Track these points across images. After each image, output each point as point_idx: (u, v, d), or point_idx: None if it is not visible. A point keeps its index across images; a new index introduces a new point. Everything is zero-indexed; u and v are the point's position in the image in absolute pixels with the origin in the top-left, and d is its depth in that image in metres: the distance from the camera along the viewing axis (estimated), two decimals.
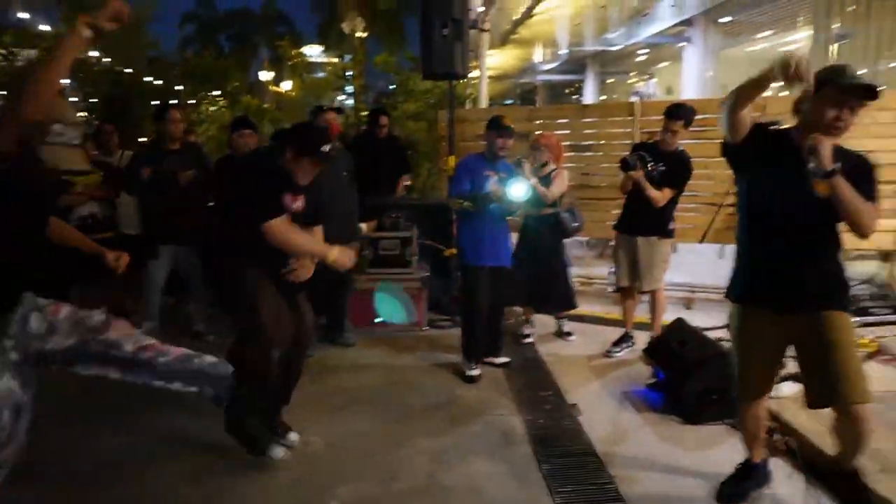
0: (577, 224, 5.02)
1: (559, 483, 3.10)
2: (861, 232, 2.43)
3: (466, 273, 4.44)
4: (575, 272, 6.77)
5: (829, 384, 2.49)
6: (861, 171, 2.51)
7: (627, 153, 4.57)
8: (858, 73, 2.59)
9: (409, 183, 6.96)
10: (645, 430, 3.67)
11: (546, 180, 4.86)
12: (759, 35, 14.58)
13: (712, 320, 5.23)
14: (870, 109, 5.47)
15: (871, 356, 4.24)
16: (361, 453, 3.43)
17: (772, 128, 2.60)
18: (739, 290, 2.76)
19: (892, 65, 9.43)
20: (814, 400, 2.64)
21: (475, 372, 4.42)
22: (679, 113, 4.40)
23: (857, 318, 5.01)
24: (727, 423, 3.64)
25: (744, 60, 14.97)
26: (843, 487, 2.77)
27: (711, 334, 4.58)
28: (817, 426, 3.33)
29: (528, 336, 5.20)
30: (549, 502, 2.96)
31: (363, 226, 5.18)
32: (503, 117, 4.39)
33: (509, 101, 26.01)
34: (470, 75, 7.86)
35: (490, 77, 20.38)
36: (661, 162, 4.40)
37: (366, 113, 8.28)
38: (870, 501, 2.74)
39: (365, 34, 12.58)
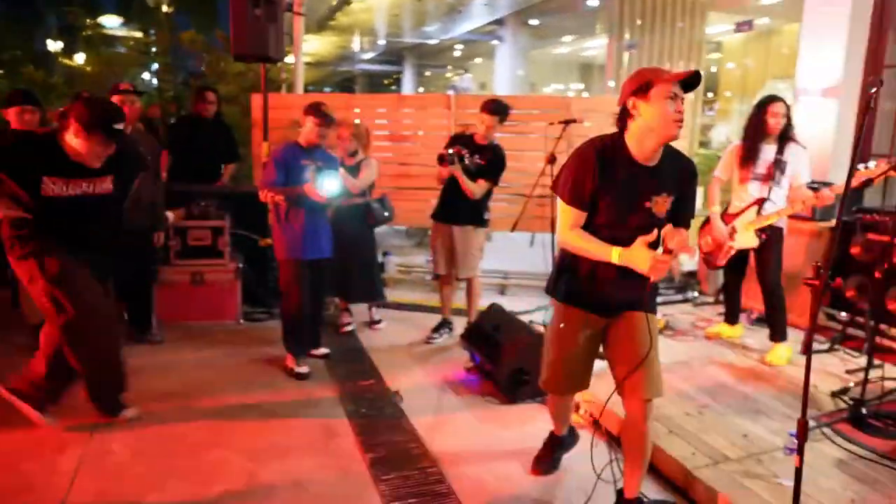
0: (386, 214, 5.03)
1: (383, 471, 3.10)
2: None
3: (285, 267, 4.26)
4: (394, 260, 6.85)
5: (633, 379, 2.61)
6: (689, 173, 2.58)
7: (445, 146, 4.65)
8: None
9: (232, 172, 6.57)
10: (465, 413, 3.79)
11: (354, 169, 4.83)
12: (563, 39, 15.69)
13: (525, 304, 5.55)
14: None
15: (659, 331, 4.72)
16: (172, 458, 3.18)
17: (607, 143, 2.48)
18: (564, 291, 2.71)
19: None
20: (620, 390, 2.75)
21: (304, 369, 4.26)
22: (495, 108, 4.55)
23: None
24: (539, 400, 3.86)
25: (550, 62, 15.98)
26: None
27: (524, 318, 4.86)
28: (614, 396, 3.65)
29: (347, 325, 5.14)
30: (374, 491, 2.95)
31: (170, 214, 4.80)
32: (323, 104, 4.23)
33: (328, 89, 25.60)
34: (286, 60, 7.60)
35: (307, 63, 19.89)
36: (477, 154, 4.54)
37: (172, 93, 7.68)
38: None
39: (171, 8, 11.60)
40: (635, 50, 10.62)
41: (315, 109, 4.16)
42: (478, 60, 18.85)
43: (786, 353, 4.31)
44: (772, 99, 4.26)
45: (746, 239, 4.34)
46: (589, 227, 2.53)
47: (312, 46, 17.16)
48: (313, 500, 2.88)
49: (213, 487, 2.95)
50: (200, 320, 5.09)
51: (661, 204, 2.47)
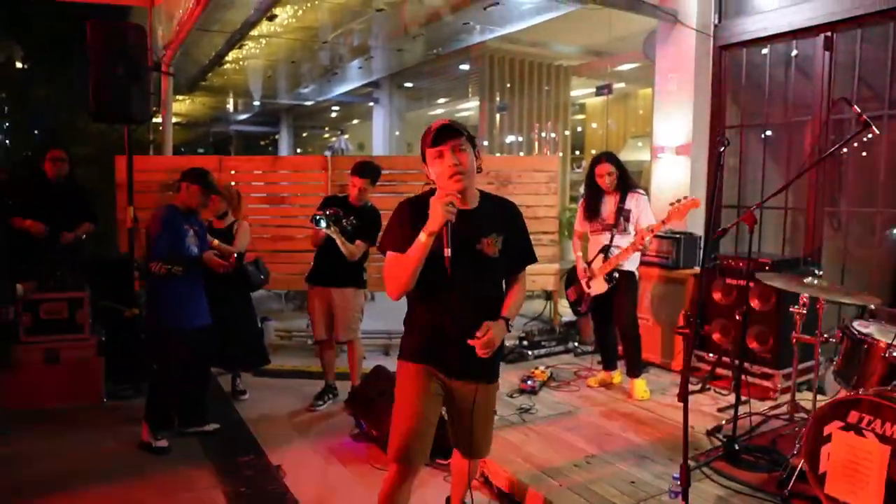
0: (262, 277, 4.87)
1: None
2: None
3: (163, 337, 3.97)
4: (273, 325, 6.58)
5: (471, 441, 2.68)
6: (511, 212, 2.64)
7: (318, 208, 4.56)
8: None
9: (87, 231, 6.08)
10: (354, 484, 3.61)
11: (226, 232, 4.66)
12: (438, 101, 16.17)
13: None
14: (529, 171, 6.36)
15: (544, 384, 4.79)
16: None
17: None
18: (414, 350, 2.60)
19: (542, 134, 11.18)
20: (457, 449, 2.79)
21: (163, 443, 3.96)
22: (364, 171, 4.51)
23: (533, 351, 5.69)
24: (431, 464, 3.75)
25: (426, 122, 16.39)
26: None
27: None
28: (504, 454, 3.63)
29: (243, 392, 5.00)
30: None
31: (19, 286, 4.36)
32: (208, 172, 4.09)
33: (201, 150, 24.82)
34: (155, 120, 7.29)
35: (180, 124, 19.24)
36: (353, 216, 4.48)
37: (24, 154, 7.12)
38: None
39: (24, 64, 10.82)
40: (506, 111, 11.12)
41: (203, 178, 4.03)
42: (355, 121, 19.04)
43: (645, 386, 4.65)
44: (598, 161, 4.66)
45: (599, 285, 4.63)
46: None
47: (184, 106, 16.63)
48: None
49: None
50: (57, 404, 4.59)
51: (490, 245, 2.51)
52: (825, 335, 3.71)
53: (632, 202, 4.56)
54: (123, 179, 5.51)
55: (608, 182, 4.54)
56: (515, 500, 3.34)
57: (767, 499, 3.13)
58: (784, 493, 3.11)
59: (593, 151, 15.45)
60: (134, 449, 4.00)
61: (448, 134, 2.40)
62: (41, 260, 4.88)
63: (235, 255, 4.41)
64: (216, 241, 4.43)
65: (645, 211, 4.57)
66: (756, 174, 5.58)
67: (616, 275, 4.54)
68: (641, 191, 4.65)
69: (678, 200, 4.22)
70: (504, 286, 2.66)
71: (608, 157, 4.65)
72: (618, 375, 4.87)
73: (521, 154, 11.26)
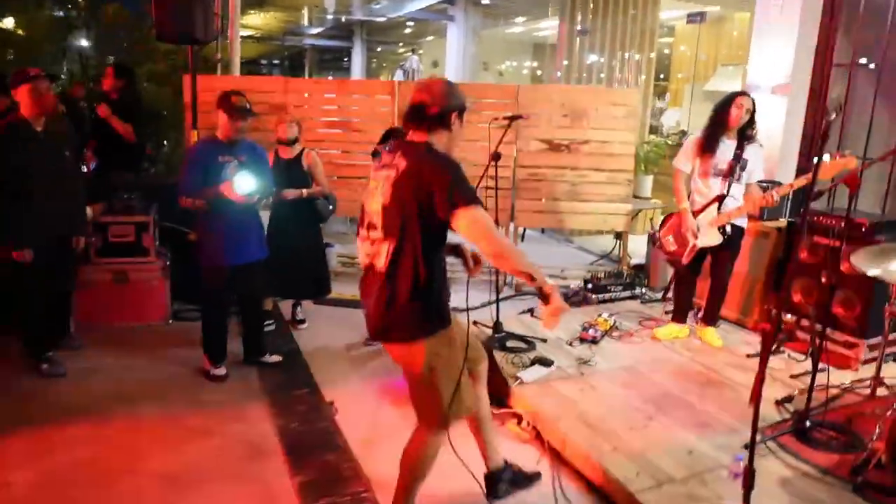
0: (331, 208, 4.80)
1: (312, 497, 2.90)
2: None
3: (208, 273, 3.96)
4: (336, 251, 6.57)
5: None
6: None
7: (378, 142, 4.44)
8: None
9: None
10: (403, 428, 3.54)
11: (294, 162, 4.55)
12: (516, 20, 15.43)
13: (469, 300, 5.37)
14: (606, 105, 5.97)
15: (605, 333, 4.61)
16: (79, 488, 2.91)
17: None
18: (442, 315, 2.51)
19: (627, 56, 10.50)
20: None
21: (221, 371, 4.06)
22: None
23: (597, 294, 5.49)
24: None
25: (502, 41, 15.77)
26: None
27: (468, 315, 4.68)
28: (558, 409, 3.52)
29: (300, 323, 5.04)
30: None
31: (89, 210, 4.43)
32: (236, 95, 3.84)
33: (276, 62, 24.84)
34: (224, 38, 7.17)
35: (252, 37, 19.18)
36: None
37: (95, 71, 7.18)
38: None
39: None
40: (587, 35, 10.46)
41: (226, 103, 3.79)
42: (429, 38, 18.47)
43: (717, 335, 4.54)
44: (740, 93, 4.21)
45: (710, 237, 4.27)
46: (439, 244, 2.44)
47: (256, 20, 16.48)
48: None
49: None
50: (125, 322, 4.76)
51: None
52: None
53: (751, 152, 4.19)
54: (190, 101, 5.47)
55: (742, 118, 4.10)
56: (565, 459, 3.25)
57: (837, 484, 2.92)
58: (857, 480, 2.89)
59: (680, 75, 14.52)
60: (193, 373, 4.11)
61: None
62: (109, 183, 4.94)
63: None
64: (287, 192, 4.47)
65: (759, 165, 4.24)
66: (863, 118, 5.04)
67: (728, 229, 4.23)
68: (760, 143, 4.27)
69: (831, 156, 3.80)
70: None
71: (748, 94, 4.22)
72: (686, 330, 4.64)
73: (602, 77, 10.66)
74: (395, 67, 15.87)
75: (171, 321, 4.92)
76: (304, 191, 4.52)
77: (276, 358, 4.32)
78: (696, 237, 4.29)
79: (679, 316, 4.65)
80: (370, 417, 3.68)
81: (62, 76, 6.01)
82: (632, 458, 3.08)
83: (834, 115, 2.13)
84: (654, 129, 11.02)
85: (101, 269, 4.66)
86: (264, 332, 4.45)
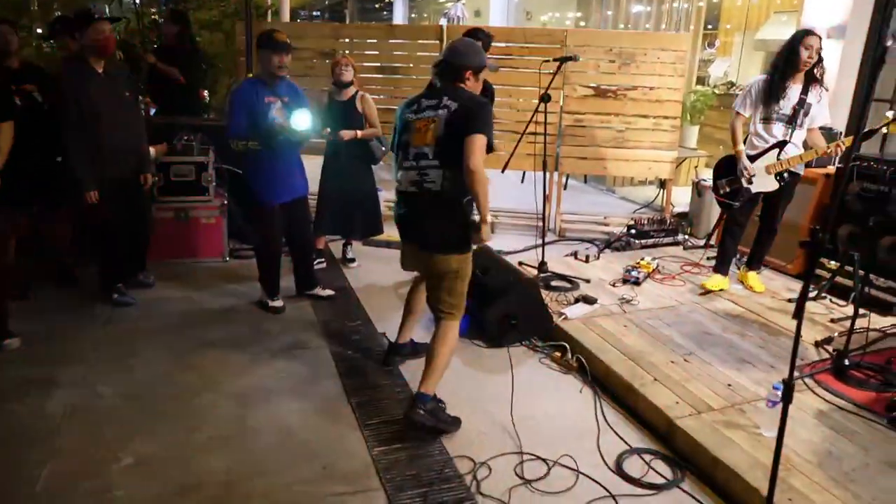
0: (384, 149, 4.91)
1: (368, 416, 3.11)
2: None
3: (259, 212, 4.14)
4: (384, 196, 6.73)
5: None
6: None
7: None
8: None
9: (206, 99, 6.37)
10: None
11: (349, 104, 4.67)
12: None
13: (514, 243, 5.51)
14: (655, 49, 5.92)
15: (648, 275, 4.71)
16: (159, 401, 3.19)
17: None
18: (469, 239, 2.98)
19: (676, 5, 10.25)
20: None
21: (278, 303, 4.29)
22: (475, 37, 4.24)
23: (640, 240, 5.56)
24: (527, 343, 3.87)
25: None
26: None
27: (514, 258, 4.83)
28: (601, 342, 3.67)
29: (351, 261, 5.21)
30: (359, 436, 2.97)
31: (152, 149, 4.65)
32: (275, 31, 3.93)
33: (316, 14, 24.71)
34: None
35: None
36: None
37: (152, 17, 7.35)
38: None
39: None
40: None
41: (268, 39, 3.86)
42: None
43: (760, 280, 4.64)
44: (807, 32, 4.05)
45: (766, 182, 4.22)
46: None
47: None
48: (299, 445, 2.89)
49: (201, 432, 2.96)
50: (185, 258, 5.03)
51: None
52: None
53: (814, 95, 4.08)
54: (244, 45, 5.62)
55: (812, 60, 3.99)
56: (608, 387, 3.41)
57: (872, 419, 3.02)
58: (893, 416, 2.98)
59: (728, 26, 14.05)
60: (252, 306, 4.36)
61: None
62: (169, 125, 5.14)
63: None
64: (344, 133, 4.60)
65: (824, 109, 4.15)
66: None
67: (786, 176, 4.19)
68: (826, 86, 4.14)
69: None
70: None
71: (816, 33, 4.06)
72: (728, 281, 4.61)
73: (648, 27, 10.44)
74: (438, 14, 15.69)
75: (228, 258, 5.17)
76: (359, 132, 4.65)
77: (328, 292, 4.54)
78: (750, 182, 4.22)
79: (724, 268, 4.58)
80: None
81: (125, 18, 6.16)
82: (672, 388, 3.22)
83: (892, 41, 2.13)
84: (700, 80, 10.78)
85: (163, 208, 4.91)
86: (314, 267, 4.65)
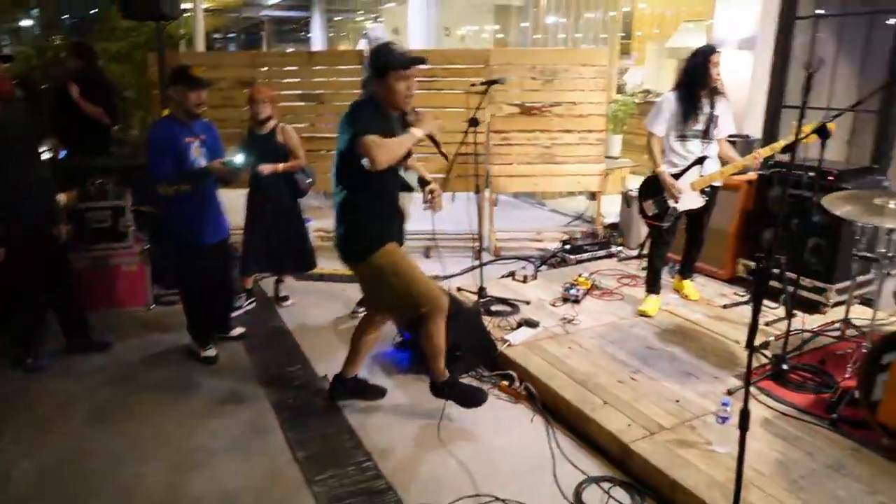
0: (310, 181, 4.75)
1: (317, 470, 2.96)
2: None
3: (186, 255, 3.94)
4: (314, 226, 6.55)
5: None
6: None
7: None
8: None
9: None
10: (397, 395, 3.68)
11: (268, 137, 4.51)
12: None
13: (451, 267, 5.44)
14: (576, 66, 6.00)
15: (587, 292, 4.72)
16: (83, 475, 2.93)
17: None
18: (382, 235, 3.12)
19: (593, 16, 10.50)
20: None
21: (211, 352, 4.07)
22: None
23: (574, 255, 5.59)
24: (474, 375, 3.80)
25: (465, 5, 15.59)
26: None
27: (452, 282, 4.76)
28: (548, 368, 3.64)
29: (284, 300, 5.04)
30: (308, 493, 2.82)
31: (62, 196, 4.34)
32: (189, 67, 3.81)
33: (232, 35, 24.20)
34: (185, 8, 6.99)
35: (208, 10, 18.61)
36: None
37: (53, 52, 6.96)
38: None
39: None
40: None
41: (184, 75, 3.71)
42: (390, 4, 18.17)
43: (694, 287, 4.75)
44: (713, 49, 4.07)
45: (692, 199, 4.22)
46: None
47: None
48: None
49: None
50: (107, 308, 4.72)
51: None
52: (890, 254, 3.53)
53: (719, 107, 4.14)
54: (156, 76, 5.37)
55: (720, 76, 4.04)
56: (559, 414, 3.37)
57: (815, 423, 3.09)
58: (832, 417, 3.06)
59: (639, 33, 14.53)
60: (181, 356, 4.12)
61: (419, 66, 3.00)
62: (80, 168, 4.84)
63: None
64: (263, 167, 4.41)
65: (728, 119, 4.21)
66: (828, 71, 5.16)
67: (708, 189, 4.21)
68: (726, 95, 4.19)
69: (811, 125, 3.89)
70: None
71: (718, 49, 4.11)
72: (659, 300, 4.55)
73: (562, 38, 10.66)
74: (357, 37, 15.59)
75: (153, 306, 4.90)
76: (281, 165, 4.49)
77: (239, 330, 4.38)
78: (677, 201, 4.21)
79: (656, 287, 4.49)
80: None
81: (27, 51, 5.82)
82: (623, 410, 3.21)
83: (813, 68, 2.17)
84: (619, 89, 11.06)
85: (79, 257, 4.58)
86: (231, 308, 4.50)
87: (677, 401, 3.31)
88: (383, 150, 2.82)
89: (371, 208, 3.08)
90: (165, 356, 4.14)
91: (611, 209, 6.98)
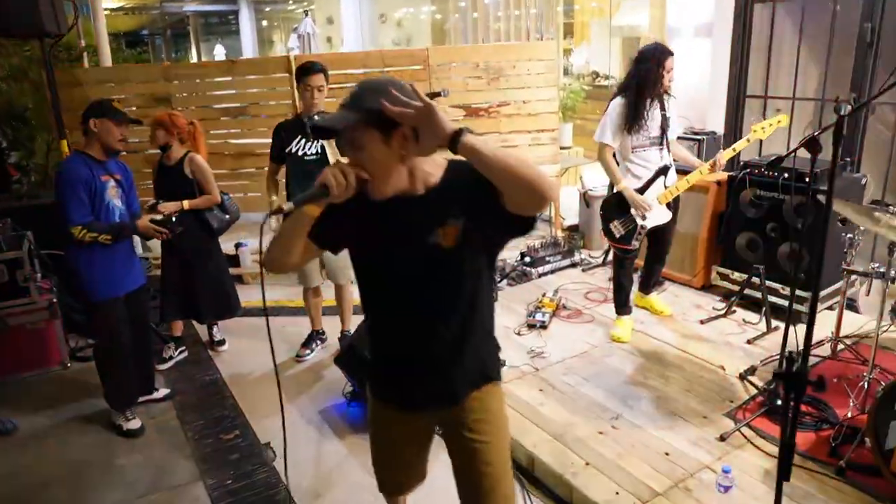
0: (228, 217, 4.18)
1: None
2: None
3: (99, 310, 3.40)
4: (251, 249, 5.97)
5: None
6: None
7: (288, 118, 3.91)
8: None
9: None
10: (350, 462, 3.23)
11: (176, 171, 3.95)
12: None
13: None
14: (523, 61, 5.56)
15: (553, 314, 4.34)
16: None
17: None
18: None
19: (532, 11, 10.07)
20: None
21: (134, 423, 3.54)
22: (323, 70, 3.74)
23: (536, 269, 5.20)
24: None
25: None
26: None
27: None
28: (520, 420, 3.23)
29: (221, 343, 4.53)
30: None
31: None
32: (111, 100, 3.34)
33: (149, 33, 22.89)
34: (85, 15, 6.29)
35: (126, 8, 17.47)
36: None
37: None
38: None
39: None
40: None
41: (108, 108, 3.26)
42: None
43: (663, 301, 4.44)
44: (666, 53, 3.64)
45: (659, 214, 3.84)
46: None
47: None
48: None
49: None
50: (13, 374, 4.13)
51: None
52: (875, 265, 3.24)
53: (671, 108, 3.76)
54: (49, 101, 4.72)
55: (672, 80, 3.69)
56: (536, 478, 2.98)
57: (819, 471, 2.76)
58: (841, 465, 2.74)
59: (577, 7, 14.16)
60: (99, 428, 3.58)
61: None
62: None
63: (174, 216, 3.72)
64: (164, 206, 3.82)
65: (675, 118, 3.85)
66: (783, 58, 4.84)
67: (672, 201, 3.85)
68: (673, 95, 3.81)
69: (767, 121, 3.60)
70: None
71: (671, 51, 3.68)
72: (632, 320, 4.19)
73: (500, 14, 10.24)
74: (289, 32, 14.82)
75: (69, 364, 4.31)
76: (185, 203, 3.93)
77: (164, 391, 3.89)
78: (645, 218, 3.81)
79: (626, 308, 4.11)
80: (314, 458, 3.29)
81: None
82: (607, 471, 2.83)
83: (846, 110, 1.75)
84: (565, 70, 10.71)
85: None
86: (152, 365, 3.94)
87: (667, 454, 2.94)
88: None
89: None
90: (82, 430, 3.59)
91: (567, 201, 6.61)
